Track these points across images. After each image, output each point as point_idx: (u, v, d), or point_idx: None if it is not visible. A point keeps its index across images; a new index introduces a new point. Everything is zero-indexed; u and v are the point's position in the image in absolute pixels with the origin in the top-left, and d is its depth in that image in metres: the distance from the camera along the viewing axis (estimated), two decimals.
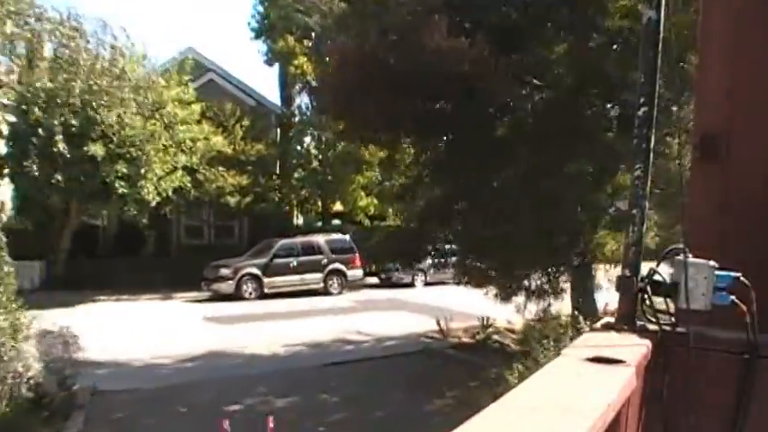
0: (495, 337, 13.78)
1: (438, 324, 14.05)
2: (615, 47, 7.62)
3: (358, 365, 11.52)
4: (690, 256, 2.14)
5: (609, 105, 8.41)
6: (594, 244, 7.29)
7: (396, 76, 7.30)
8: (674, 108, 8.17)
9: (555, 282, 8.33)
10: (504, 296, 9.13)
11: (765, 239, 2.37)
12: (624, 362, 1.77)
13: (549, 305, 10.79)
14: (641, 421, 2.12)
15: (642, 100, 2.31)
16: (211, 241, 24.85)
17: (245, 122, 22.32)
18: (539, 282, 8.35)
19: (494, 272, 8.74)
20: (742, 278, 2.11)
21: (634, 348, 1.97)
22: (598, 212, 7.44)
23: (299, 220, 28.28)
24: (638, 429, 2.10)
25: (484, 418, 1.27)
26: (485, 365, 9.98)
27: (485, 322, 13.84)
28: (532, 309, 11.73)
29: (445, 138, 8.66)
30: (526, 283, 8.51)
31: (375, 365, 11.52)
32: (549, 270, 8.12)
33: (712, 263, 2.12)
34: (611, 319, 2.31)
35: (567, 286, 9.59)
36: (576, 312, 11.98)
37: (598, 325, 2.36)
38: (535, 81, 7.22)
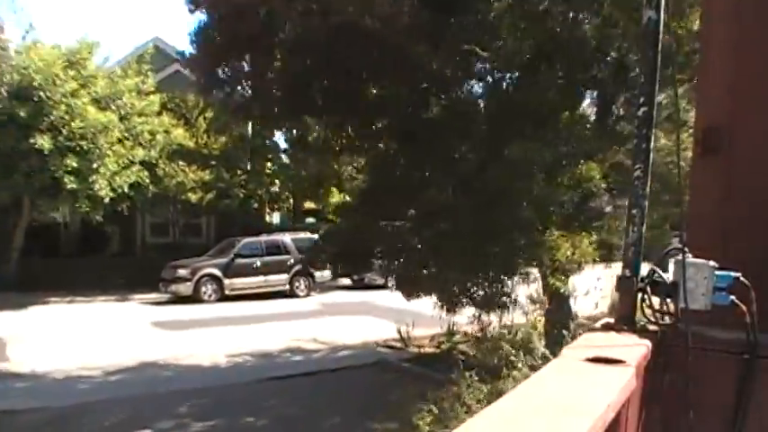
0: (462, 346, 12.70)
1: (399, 332, 12.94)
2: (578, 15, 6.51)
3: (301, 380, 10.39)
4: (689, 255, 2.11)
5: (575, 85, 7.25)
6: (545, 247, 6.17)
7: (277, 33, 6.11)
8: (663, 95, 7.22)
9: (499, 291, 7.22)
10: (449, 306, 8.03)
11: (765, 230, 2.34)
12: (624, 362, 1.75)
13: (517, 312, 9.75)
14: (641, 421, 2.11)
15: (642, 100, 2.27)
16: (177, 240, 23.67)
17: (210, 114, 21.10)
18: (485, 290, 7.25)
19: (427, 278, 7.61)
20: (742, 278, 2.09)
21: (634, 348, 1.96)
22: (549, 209, 6.30)
23: (272, 218, 27.11)
24: (637, 429, 2.08)
25: (484, 418, 1.25)
26: (442, 381, 8.89)
27: (450, 329, 12.75)
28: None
29: (365, 117, 7.46)
30: (479, 290, 7.38)
31: (320, 380, 10.40)
32: (490, 277, 6.99)
33: (712, 263, 2.10)
34: (611, 319, 2.30)
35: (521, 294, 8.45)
36: (544, 321, 10.93)
37: (598, 325, 2.32)
38: (478, 51, 6.10)
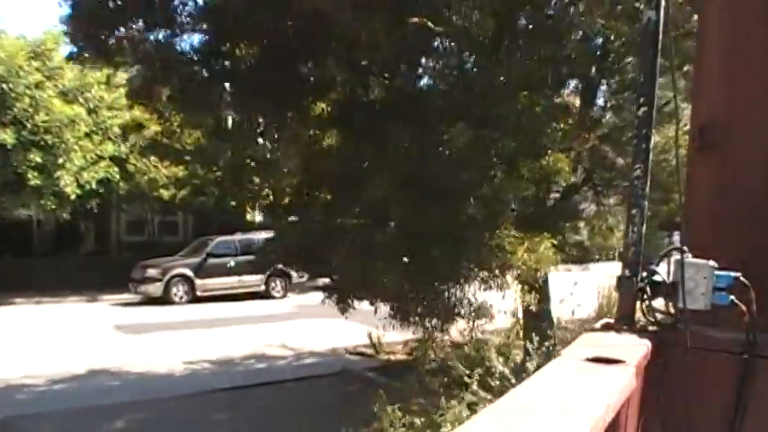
0: (436, 353, 11.95)
1: (369, 337, 12.19)
2: None
3: (257, 391, 9.64)
4: (689, 255, 2.11)
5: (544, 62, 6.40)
6: (495, 250, 5.38)
7: None
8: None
9: (442, 301, 6.47)
10: (401, 317, 7.31)
11: (765, 229, 2.34)
12: (624, 362, 1.74)
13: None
14: (641, 421, 2.11)
15: (642, 100, 2.29)
16: (153, 238, 22.92)
17: None
18: (426, 300, 6.49)
19: (362, 286, 6.88)
20: (741, 278, 2.10)
21: (634, 348, 1.96)
22: (504, 206, 5.49)
23: (255, 215, 26.28)
24: (637, 429, 2.08)
25: (484, 418, 1.24)
26: (407, 394, 8.16)
27: (425, 334, 11.99)
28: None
29: (295, 98, 6.64)
30: (421, 299, 6.61)
31: (276, 392, 9.65)
32: (431, 284, 6.22)
33: (712, 263, 2.10)
34: (611, 320, 2.30)
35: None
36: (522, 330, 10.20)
37: (598, 325, 2.32)
38: (430, 24, 5.31)
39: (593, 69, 9.12)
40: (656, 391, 2.16)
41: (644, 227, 2.24)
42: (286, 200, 9.04)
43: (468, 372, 5.86)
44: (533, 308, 7.36)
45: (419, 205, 5.45)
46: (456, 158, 5.22)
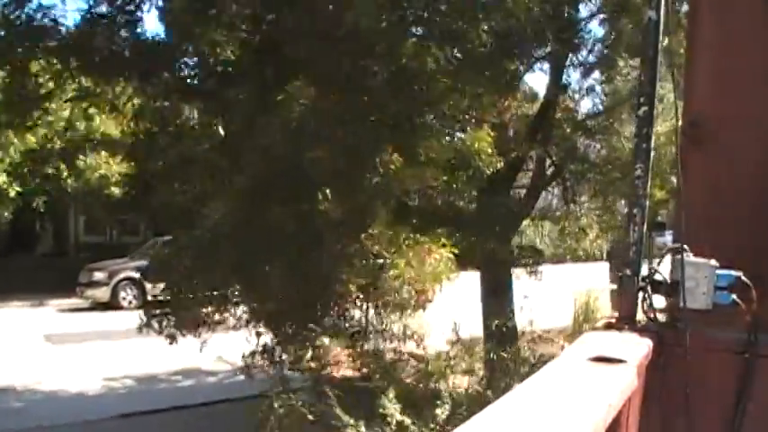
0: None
1: (314, 348, 11.02)
2: None
3: (172, 417, 8.52)
4: (689, 254, 2.12)
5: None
6: (363, 258, 4.17)
7: None
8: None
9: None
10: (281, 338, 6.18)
11: (759, 225, 2.37)
12: (625, 361, 1.74)
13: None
14: (642, 421, 2.08)
15: (642, 100, 2.29)
16: (113, 239, 21.81)
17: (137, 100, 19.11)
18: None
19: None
20: (743, 277, 2.10)
21: (635, 348, 1.97)
22: (376, 199, 4.22)
23: None
24: (638, 429, 2.05)
25: (483, 417, 1.21)
26: (338, 420, 7.01)
27: (376, 347, 10.86)
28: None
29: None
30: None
31: (195, 416, 8.54)
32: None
33: (713, 262, 2.11)
34: (612, 319, 2.30)
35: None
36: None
37: (599, 324, 2.35)
38: None
39: (554, 38, 7.85)
40: (657, 391, 2.14)
41: (644, 226, 2.24)
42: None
43: (352, 421, 4.71)
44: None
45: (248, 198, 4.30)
46: (297, 129, 4.01)
